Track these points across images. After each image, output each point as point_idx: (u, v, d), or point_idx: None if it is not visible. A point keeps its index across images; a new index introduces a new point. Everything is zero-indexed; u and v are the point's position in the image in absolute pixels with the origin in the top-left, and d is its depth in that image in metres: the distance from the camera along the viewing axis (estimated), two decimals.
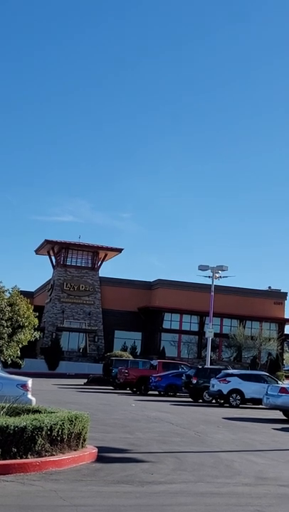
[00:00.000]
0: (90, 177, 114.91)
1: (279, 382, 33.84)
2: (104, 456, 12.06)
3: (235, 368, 46.44)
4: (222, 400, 32.02)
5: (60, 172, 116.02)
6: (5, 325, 9.99)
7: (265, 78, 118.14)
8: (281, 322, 72.76)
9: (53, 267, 72.80)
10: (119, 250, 72.91)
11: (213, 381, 32.47)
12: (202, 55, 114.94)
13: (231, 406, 31.02)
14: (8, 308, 10.13)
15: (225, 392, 31.52)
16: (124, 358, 50.00)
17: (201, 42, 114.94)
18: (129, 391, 40.38)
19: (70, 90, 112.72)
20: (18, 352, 10.84)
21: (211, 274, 50.50)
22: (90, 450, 11.72)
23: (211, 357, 53.34)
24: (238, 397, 31.49)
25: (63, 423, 10.86)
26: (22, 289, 28.15)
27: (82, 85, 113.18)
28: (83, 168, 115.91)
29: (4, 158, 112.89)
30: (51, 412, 11.59)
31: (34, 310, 11.28)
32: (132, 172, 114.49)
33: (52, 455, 10.56)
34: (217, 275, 50.13)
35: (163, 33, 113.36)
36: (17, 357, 11.01)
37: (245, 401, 31.59)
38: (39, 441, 10.30)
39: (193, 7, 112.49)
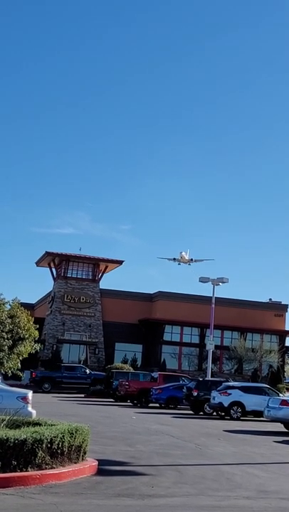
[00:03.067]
0: (89, 189, 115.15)
1: (280, 394, 33.74)
2: (105, 469, 12.01)
3: (236, 381, 46.25)
4: (223, 412, 31.91)
5: (60, 184, 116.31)
6: (5, 337, 9.95)
7: (267, 89, 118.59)
8: (282, 334, 72.57)
9: (54, 279, 72.78)
10: (120, 262, 72.92)
11: (214, 393, 32.37)
12: (211, 63, 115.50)
13: (232, 418, 30.91)
14: (9, 321, 10.09)
15: (226, 404, 31.42)
16: (124, 371, 49.90)
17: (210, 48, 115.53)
18: (130, 403, 40.26)
19: (71, 102, 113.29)
20: (19, 364, 10.80)
21: (211, 287, 50.42)
22: (90, 463, 11.68)
23: (211, 369, 53.20)
24: (239, 410, 31.39)
25: (63, 436, 10.82)
26: (22, 301, 28.04)
27: (84, 97, 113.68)
28: (83, 180, 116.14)
29: (4, 171, 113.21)
30: (51, 425, 11.55)
31: (35, 322, 11.24)
32: (131, 184, 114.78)
33: (52, 468, 10.51)
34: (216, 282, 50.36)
35: (172, 41, 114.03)
36: (17, 369, 10.98)
37: (246, 413, 31.49)
38: (39, 454, 10.27)
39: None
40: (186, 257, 75.19)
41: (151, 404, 38.56)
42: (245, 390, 32.54)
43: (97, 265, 71.59)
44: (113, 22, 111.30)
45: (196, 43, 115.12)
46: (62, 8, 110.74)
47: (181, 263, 75.45)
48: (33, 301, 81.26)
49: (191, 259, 75.70)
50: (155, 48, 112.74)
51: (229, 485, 11.44)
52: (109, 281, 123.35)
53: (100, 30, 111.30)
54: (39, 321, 59.11)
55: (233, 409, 31.43)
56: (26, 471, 10.07)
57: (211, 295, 50.59)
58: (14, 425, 11.56)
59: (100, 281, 72.02)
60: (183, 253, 75.56)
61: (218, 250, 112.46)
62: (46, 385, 49.49)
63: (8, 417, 11.98)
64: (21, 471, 10.00)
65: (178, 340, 70.63)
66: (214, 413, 33.17)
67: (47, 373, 53.45)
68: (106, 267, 72.23)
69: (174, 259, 74.70)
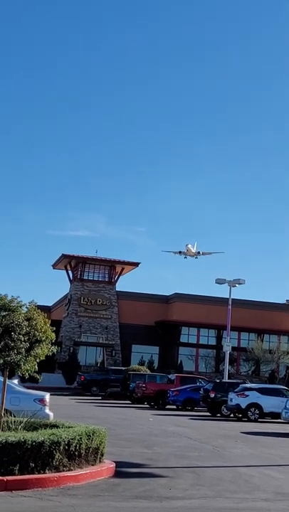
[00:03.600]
0: (104, 191, 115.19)
1: None
2: (122, 471, 12.01)
3: (253, 382, 46.09)
4: (240, 414, 31.82)
5: (76, 187, 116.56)
6: (22, 340, 9.97)
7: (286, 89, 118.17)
8: None
9: (70, 281, 72.95)
10: (136, 264, 72.97)
11: (231, 395, 32.28)
12: (230, 63, 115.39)
13: (250, 420, 30.82)
14: (26, 323, 10.11)
15: (243, 406, 31.33)
16: (141, 373, 49.86)
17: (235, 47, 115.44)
18: (147, 405, 40.26)
19: (87, 102, 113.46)
20: (36, 367, 10.83)
21: (228, 288, 50.26)
22: (107, 465, 11.68)
23: (228, 371, 53.05)
24: (257, 411, 31.29)
25: (81, 438, 10.84)
26: (39, 303, 28.07)
27: (100, 96, 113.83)
28: (98, 183, 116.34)
29: (19, 174, 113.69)
30: (69, 427, 11.57)
31: (51, 324, 11.27)
32: (147, 186, 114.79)
33: (70, 470, 10.53)
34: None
35: (191, 40, 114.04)
36: (34, 371, 11.01)
37: (263, 415, 31.37)
38: (57, 456, 10.29)
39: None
40: (193, 250, 74.09)
41: (168, 406, 38.53)
42: (263, 391, 32.43)
43: (113, 267, 71.69)
44: (133, 19, 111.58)
45: (217, 44, 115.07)
46: (87, 5, 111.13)
47: (188, 256, 74.60)
48: (50, 304, 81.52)
49: (198, 252, 74.61)
50: (173, 46, 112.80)
51: (247, 487, 11.40)
52: (126, 283, 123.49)
53: (122, 27, 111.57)
54: (56, 324, 59.53)
55: (250, 411, 31.33)
56: (44, 473, 10.10)
57: (228, 296, 50.44)
58: (32, 427, 11.60)
59: (116, 284, 72.11)
60: (189, 245, 74.34)
61: (235, 251, 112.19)
62: (94, 388, 50.01)
63: (25, 419, 12.02)
64: (39, 473, 10.03)
65: (195, 342, 70.55)
66: (231, 415, 33.07)
67: (95, 376, 53.65)
68: (122, 269, 72.30)
69: (180, 252, 73.67)
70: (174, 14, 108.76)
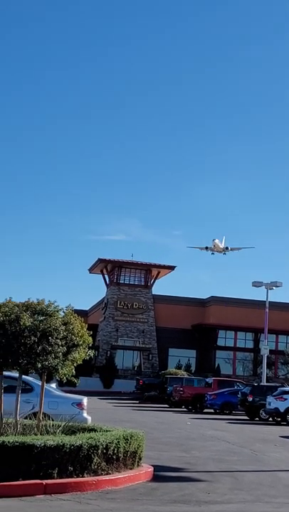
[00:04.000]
0: (139, 195, 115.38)
1: None
2: (160, 475, 11.98)
3: None
4: (279, 418, 31.50)
5: (111, 191, 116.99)
6: (60, 344, 10.02)
7: None
8: None
9: (107, 285, 73.22)
10: (172, 268, 72.89)
11: (269, 399, 31.98)
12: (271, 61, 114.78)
13: None
14: (63, 328, 10.15)
15: (282, 410, 31.01)
16: (178, 376, 49.81)
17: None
18: (185, 409, 40.16)
19: (120, 104, 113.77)
20: (73, 371, 10.87)
21: (265, 291, 49.85)
22: (145, 469, 11.67)
23: (266, 374, 52.63)
24: None
25: (119, 442, 10.85)
26: (76, 308, 28.19)
27: (134, 99, 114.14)
28: (133, 187, 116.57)
29: (53, 179, 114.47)
30: (106, 431, 11.59)
31: (88, 328, 11.30)
32: (182, 189, 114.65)
33: (108, 474, 10.55)
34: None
35: (223, 41, 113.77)
36: (72, 376, 11.05)
37: None
38: (95, 460, 10.31)
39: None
40: (221, 245, 71.31)
41: (205, 410, 38.37)
42: None
43: (149, 271, 71.75)
44: (163, 22, 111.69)
45: (249, 45, 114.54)
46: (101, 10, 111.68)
47: (215, 252, 72.06)
48: (87, 308, 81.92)
49: (226, 248, 71.87)
50: (206, 48, 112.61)
51: (287, 491, 11.28)
52: (162, 286, 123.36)
53: (151, 28, 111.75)
54: (93, 328, 59.62)
55: None
56: (82, 476, 10.13)
57: (265, 299, 50.10)
58: (70, 431, 11.64)
59: (153, 287, 72.14)
60: (216, 240, 71.29)
61: (272, 254, 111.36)
62: (153, 392, 50.10)
63: (63, 423, 12.07)
64: (77, 476, 10.07)
65: (232, 345, 70.21)
66: (270, 419, 32.77)
67: (153, 380, 53.61)
68: (158, 273, 72.31)
69: (207, 248, 71.21)
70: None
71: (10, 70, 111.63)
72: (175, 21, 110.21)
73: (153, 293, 71.91)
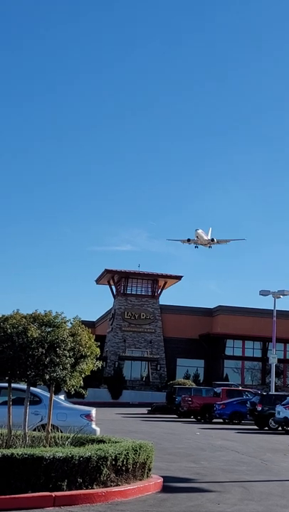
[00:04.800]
0: (146, 206, 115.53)
1: None
2: (170, 485, 11.93)
3: None
4: (288, 427, 31.35)
5: (116, 202, 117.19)
6: (67, 355, 9.98)
7: None
8: None
9: (114, 296, 73.21)
10: (179, 278, 72.86)
11: (278, 408, 31.86)
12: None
13: None
14: (70, 339, 10.12)
15: None
16: (187, 386, 49.64)
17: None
18: (193, 419, 40.02)
19: (122, 115, 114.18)
20: (81, 382, 10.83)
21: (272, 300, 49.72)
22: (155, 480, 11.62)
23: (275, 383, 52.43)
24: None
25: (128, 453, 10.81)
26: (84, 319, 28.14)
27: (136, 108, 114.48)
28: (138, 198, 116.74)
29: (60, 191, 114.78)
30: (115, 442, 11.56)
31: (96, 339, 11.28)
32: (186, 200, 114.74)
33: (117, 485, 10.51)
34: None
35: (243, 48, 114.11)
36: (80, 387, 11.00)
37: None
38: (104, 472, 10.28)
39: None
40: (205, 237, 66.65)
41: (214, 420, 38.23)
42: None
43: (156, 281, 71.71)
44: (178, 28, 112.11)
45: (261, 53, 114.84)
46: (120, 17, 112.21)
47: (199, 245, 67.69)
48: (94, 319, 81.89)
49: (212, 240, 67.13)
50: (225, 55, 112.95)
51: None
52: (169, 296, 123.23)
53: (172, 33, 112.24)
54: (100, 339, 59.80)
55: None
56: (92, 488, 10.09)
57: (273, 308, 49.98)
58: (78, 443, 11.62)
59: (160, 297, 72.09)
60: (199, 231, 66.09)
61: (279, 263, 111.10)
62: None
63: (72, 435, 12.05)
64: (87, 488, 10.04)
65: (240, 354, 70.02)
66: (279, 428, 32.63)
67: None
68: (165, 283, 72.28)
69: (189, 240, 66.56)
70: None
71: (24, 82, 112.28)
72: (187, 28, 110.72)
73: (160, 303, 71.87)
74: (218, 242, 67.21)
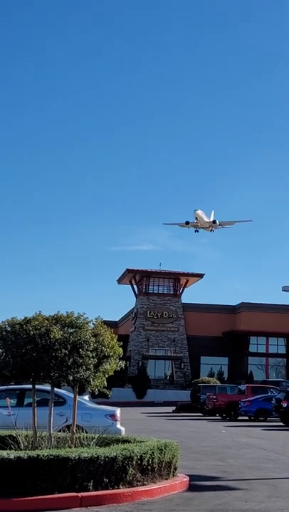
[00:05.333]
0: (166, 205, 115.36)
1: None
2: (196, 484, 11.90)
3: None
4: None
5: (137, 202, 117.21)
6: (90, 356, 9.99)
7: None
8: None
9: (136, 295, 73.24)
10: (200, 276, 72.70)
11: None
12: None
13: None
14: (93, 339, 10.12)
15: None
16: (211, 384, 49.52)
17: None
18: (219, 417, 39.90)
19: (143, 115, 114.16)
20: (105, 382, 10.83)
21: None
22: (181, 479, 11.60)
23: None
24: None
25: (153, 452, 10.80)
26: (107, 319, 28.12)
27: (159, 108, 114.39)
28: (158, 197, 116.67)
29: (83, 192, 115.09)
30: (140, 442, 11.55)
31: (119, 339, 11.30)
32: (207, 198, 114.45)
33: (143, 485, 10.50)
34: None
35: (261, 53, 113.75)
36: (104, 387, 11.00)
37: None
38: (130, 471, 10.28)
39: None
40: (206, 219, 61.55)
41: (240, 417, 38.08)
42: None
43: (177, 280, 71.62)
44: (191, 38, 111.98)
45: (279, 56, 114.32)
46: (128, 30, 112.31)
47: (199, 228, 62.92)
48: (117, 319, 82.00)
49: (214, 222, 61.96)
50: (234, 60, 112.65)
51: None
52: (191, 295, 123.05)
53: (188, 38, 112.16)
54: (123, 338, 59.85)
55: None
56: (118, 488, 10.10)
57: None
58: (104, 443, 11.63)
59: (182, 296, 71.99)
60: (199, 211, 60.87)
61: None
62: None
63: (97, 435, 12.06)
64: (113, 488, 10.04)
65: (264, 351, 69.75)
66: None
67: None
68: (187, 281, 72.15)
69: (187, 223, 61.81)
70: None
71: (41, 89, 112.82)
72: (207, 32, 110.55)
73: (182, 301, 71.76)
74: (221, 224, 62.81)
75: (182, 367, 68.66)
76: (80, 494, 9.63)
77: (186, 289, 72.62)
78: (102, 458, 9.97)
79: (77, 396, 12.40)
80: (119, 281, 75.62)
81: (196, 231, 61.23)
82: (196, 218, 60.37)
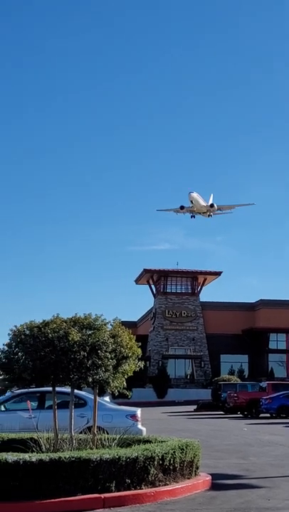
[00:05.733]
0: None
1: None
2: (219, 483, 11.87)
3: None
4: None
5: (152, 201, 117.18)
6: (109, 357, 10.02)
7: None
8: None
9: (154, 295, 73.22)
10: (218, 274, 72.55)
11: None
12: None
13: None
14: (111, 340, 10.15)
15: None
16: (232, 382, 49.41)
17: None
18: (240, 415, 39.80)
19: (147, 115, 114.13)
20: (124, 383, 10.85)
21: None
22: (203, 478, 11.58)
23: None
24: None
25: (174, 452, 10.79)
26: (126, 319, 28.29)
27: (159, 108, 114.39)
28: (174, 196, 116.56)
29: (97, 192, 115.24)
30: (162, 442, 11.54)
31: (138, 339, 11.31)
32: (222, 196, 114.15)
33: (165, 484, 10.50)
34: None
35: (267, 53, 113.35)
36: (124, 388, 11.02)
37: None
38: (152, 471, 10.28)
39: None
40: (202, 202, 56.66)
41: (261, 415, 37.95)
42: None
43: (195, 278, 71.52)
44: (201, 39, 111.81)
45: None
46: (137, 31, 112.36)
47: (196, 213, 58.07)
48: (136, 319, 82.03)
49: (212, 206, 57.11)
50: (244, 58, 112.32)
51: None
52: (209, 293, 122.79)
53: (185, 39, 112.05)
54: (143, 338, 59.81)
55: None
56: (140, 488, 10.10)
57: None
58: (125, 444, 11.64)
59: (200, 294, 71.87)
60: (194, 194, 55.86)
61: None
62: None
63: (118, 436, 12.08)
64: (135, 488, 10.05)
65: (284, 347, 69.45)
66: None
67: None
68: (204, 280, 72.03)
69: (182, 207, 57.23)
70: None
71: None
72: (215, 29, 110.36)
73: (201, 300, 71.65)
74: (219, 208, 58.03)
75: (202, 365, 68.56)
76: (102, 495, 9.65)
77: (203, 287, 72.52)
78: (124, 459, 9.99)
79: (97, 397, 12.42)
80: (137, 281, 75.64)
81: (192, 217, 57.01)
82: (192, 202, 56.18)
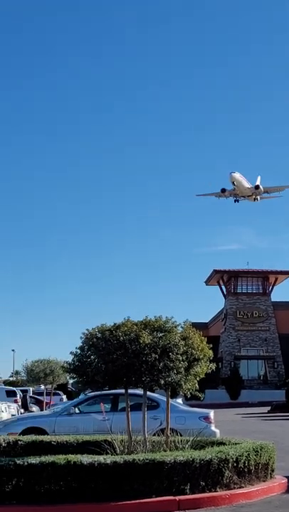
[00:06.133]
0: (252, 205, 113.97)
1: None
2: None
3: None
4: None
5: (222, 203, 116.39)
6: (180, 359, 10.04)
7: None
8: None
9: (224, 296, 72.77)
10: None
11: None
12: None
13: None
14: (182, 343, 10.17)
15: None
16: None
17: None
18: None
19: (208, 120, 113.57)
20: (196, 385, 10.86)
21: None
22: (279, 480, 11.44)
23: None
24: None
25: (249, 454, 10.70)
26: (196, 321, 28.18)
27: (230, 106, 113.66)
28: None
29: (166, 196, 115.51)
30: (236, 444, 11.47)
31: (210, 340, 11.33)
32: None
33: (241, 487, 10.43)
34: None
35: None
36: (196, 390, 11.03)
37: None
38: (226, 474, 10.22)
39: None
40: (246, 184, 51.67)
41: None
42: None
43: (266, 278, 70.71)
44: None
45: None
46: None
47: (240, 198, 53.00)
48: (207, 320, 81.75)
49: (256, 187, 51.69)
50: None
51: None
52: (281, 292, 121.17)
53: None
54: (214, 340, 59.52)
55: None
56: (215, 491, 10.06)
57: None
58: (198, 446, 11.61)
59: (271, 294, 71.03)
60: (236, 174, 50.77)
61: None
62: None
63: (192, 438, 12.06)
64: (210, 491, 10.01)
65: None
66: None
67: None
68: (276, 279, 71.15)
69: (223, 191, 51.95)
70: None
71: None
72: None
73: (272, 300, 70.79)
74: (266, 191, 52.91)
75: (275, 366, 67.70)
76: (177, 498, 9.66)
77: (275, 287, 71.64)
78: (198, 461, 9.97)
79: (170, 399, 12.44)
80: (207, 282, 75.32)
81: (235, 201, 52.15)
82: (233, 183, 51.30)
